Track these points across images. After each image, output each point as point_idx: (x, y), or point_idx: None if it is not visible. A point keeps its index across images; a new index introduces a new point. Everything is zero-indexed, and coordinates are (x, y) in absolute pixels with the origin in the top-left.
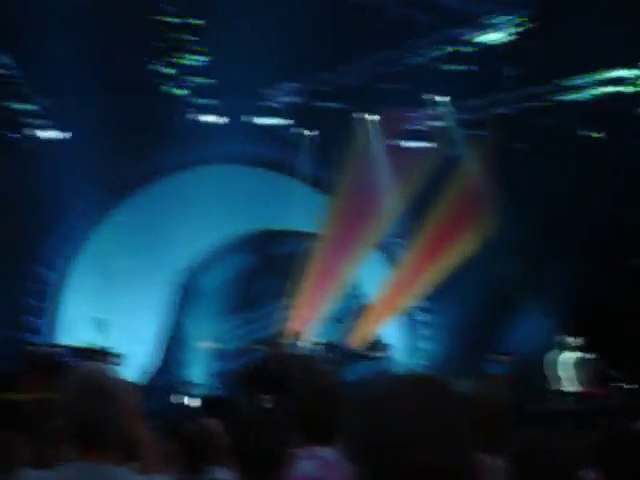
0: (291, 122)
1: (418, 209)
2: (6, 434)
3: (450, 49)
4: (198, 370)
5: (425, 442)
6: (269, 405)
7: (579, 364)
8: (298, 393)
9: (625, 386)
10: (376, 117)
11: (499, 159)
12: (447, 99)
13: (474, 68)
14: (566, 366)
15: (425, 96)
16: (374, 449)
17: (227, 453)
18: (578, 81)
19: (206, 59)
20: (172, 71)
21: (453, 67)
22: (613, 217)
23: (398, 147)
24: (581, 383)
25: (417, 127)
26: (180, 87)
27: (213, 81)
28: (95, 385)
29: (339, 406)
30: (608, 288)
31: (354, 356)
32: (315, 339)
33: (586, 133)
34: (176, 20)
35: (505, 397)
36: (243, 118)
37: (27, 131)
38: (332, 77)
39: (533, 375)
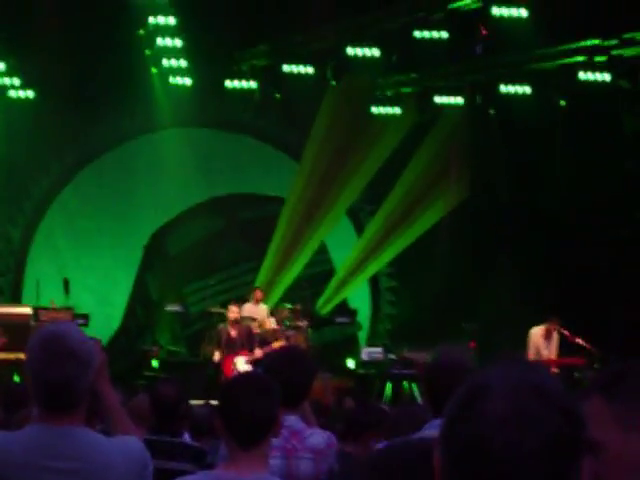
0: (261, 85)
1: (387, 175)
2: None
3: (422, 14)
4: (163, 333)
5: None
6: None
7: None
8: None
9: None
10: (346, 82)
11: (472, 126)
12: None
13: (446, 34)
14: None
15: (396, 62)
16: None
17: (211, 419)
18: (552, 50)
19: (176, 21)
20: (142, 32)
21: (425, 33)
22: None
23: (368, 113)
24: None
25: (387, 93)
26: (150, 49)
27: (184, 43)
28: (60, 345)
29: (305, 372)
30: (591, 261)
31: (320, 321)
32: (281, 303)
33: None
34: None
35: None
36: (212, 81)
37: None
38: (302, 41)
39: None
